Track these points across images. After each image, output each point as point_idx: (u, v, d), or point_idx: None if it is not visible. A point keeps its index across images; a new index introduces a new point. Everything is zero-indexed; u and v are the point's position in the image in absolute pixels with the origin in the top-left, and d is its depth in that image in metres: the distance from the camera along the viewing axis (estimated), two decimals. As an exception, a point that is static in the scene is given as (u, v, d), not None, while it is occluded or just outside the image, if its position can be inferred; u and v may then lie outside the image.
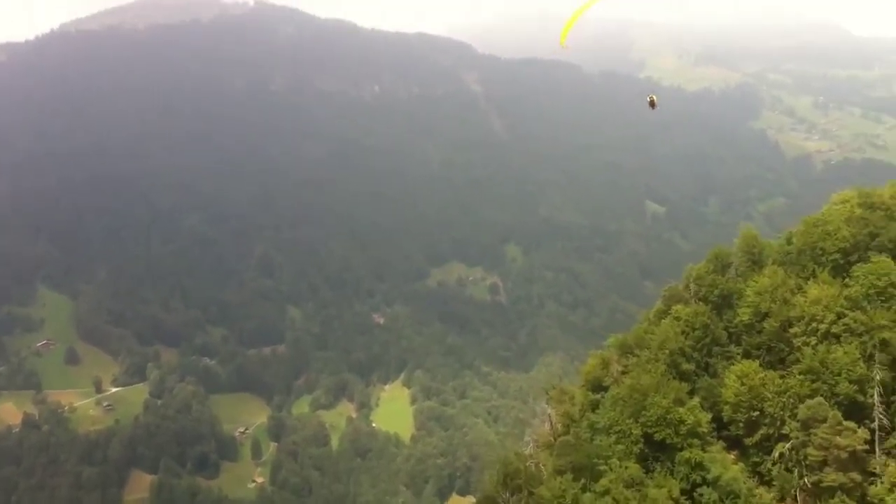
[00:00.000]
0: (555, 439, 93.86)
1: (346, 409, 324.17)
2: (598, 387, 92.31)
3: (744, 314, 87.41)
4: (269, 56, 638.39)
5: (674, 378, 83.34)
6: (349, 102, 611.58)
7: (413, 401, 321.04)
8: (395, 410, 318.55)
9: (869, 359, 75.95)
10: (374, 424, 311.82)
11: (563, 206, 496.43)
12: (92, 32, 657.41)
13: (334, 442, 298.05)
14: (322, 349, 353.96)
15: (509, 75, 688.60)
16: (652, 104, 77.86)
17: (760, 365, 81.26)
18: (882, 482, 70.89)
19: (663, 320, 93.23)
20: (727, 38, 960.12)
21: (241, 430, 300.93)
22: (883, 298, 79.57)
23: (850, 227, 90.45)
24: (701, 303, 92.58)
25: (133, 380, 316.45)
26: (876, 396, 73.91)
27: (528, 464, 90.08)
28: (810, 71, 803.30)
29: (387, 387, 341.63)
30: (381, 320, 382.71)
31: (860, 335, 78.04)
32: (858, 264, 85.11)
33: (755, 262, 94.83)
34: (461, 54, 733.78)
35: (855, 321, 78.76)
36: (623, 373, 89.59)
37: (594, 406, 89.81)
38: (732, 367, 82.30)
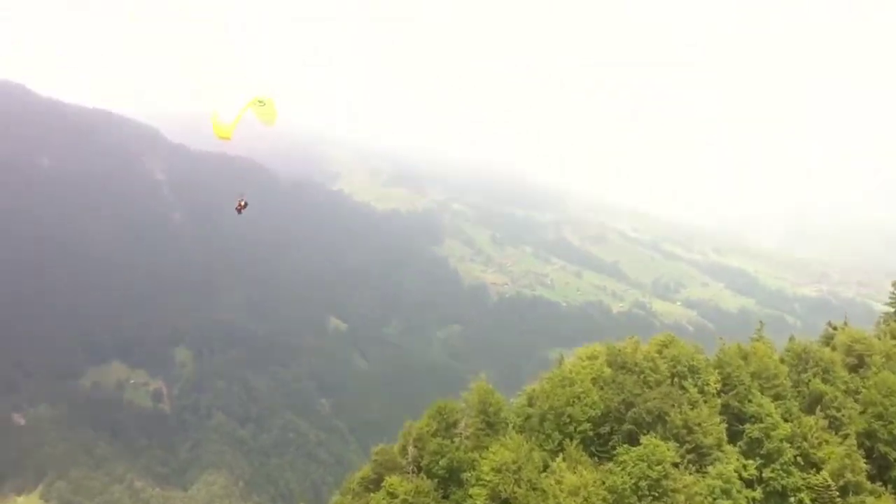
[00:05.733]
0: None
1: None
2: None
3: (478, 497, 66.57)
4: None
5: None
6: (13, 170, 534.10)
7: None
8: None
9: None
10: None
11: (241, 312, 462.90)
12: None
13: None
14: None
15: (197, 167, 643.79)
16: (240, 208, 63.19)
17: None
18: None
19: (373, 495, 70.48)
20: (415, 161, 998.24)
21: None
22: (655, 494, 63.15)
23: (600, 390, 75.12)
24: (423, 475, 71.33)
25: None
26: None
27: None
28: (490, 207, 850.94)
29: (20, 498, 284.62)
30: (23, 421, 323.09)
31: (629, 542, 60.88)
32: (623, 445, 68.78)
33: (490, 424, 75.30)
34: (146, 135, 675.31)
35: (623, 523, 61.72)
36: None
37: None
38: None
